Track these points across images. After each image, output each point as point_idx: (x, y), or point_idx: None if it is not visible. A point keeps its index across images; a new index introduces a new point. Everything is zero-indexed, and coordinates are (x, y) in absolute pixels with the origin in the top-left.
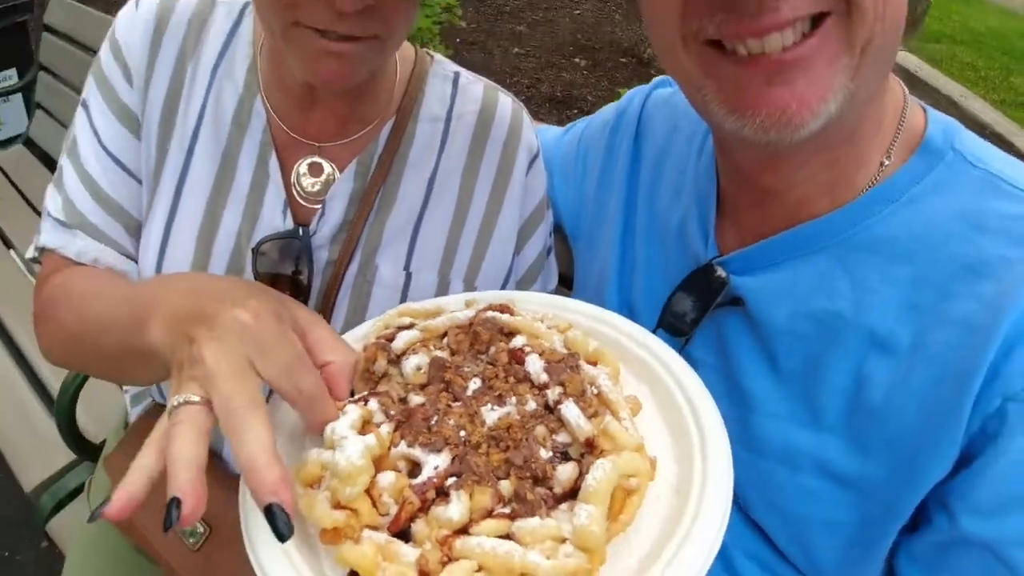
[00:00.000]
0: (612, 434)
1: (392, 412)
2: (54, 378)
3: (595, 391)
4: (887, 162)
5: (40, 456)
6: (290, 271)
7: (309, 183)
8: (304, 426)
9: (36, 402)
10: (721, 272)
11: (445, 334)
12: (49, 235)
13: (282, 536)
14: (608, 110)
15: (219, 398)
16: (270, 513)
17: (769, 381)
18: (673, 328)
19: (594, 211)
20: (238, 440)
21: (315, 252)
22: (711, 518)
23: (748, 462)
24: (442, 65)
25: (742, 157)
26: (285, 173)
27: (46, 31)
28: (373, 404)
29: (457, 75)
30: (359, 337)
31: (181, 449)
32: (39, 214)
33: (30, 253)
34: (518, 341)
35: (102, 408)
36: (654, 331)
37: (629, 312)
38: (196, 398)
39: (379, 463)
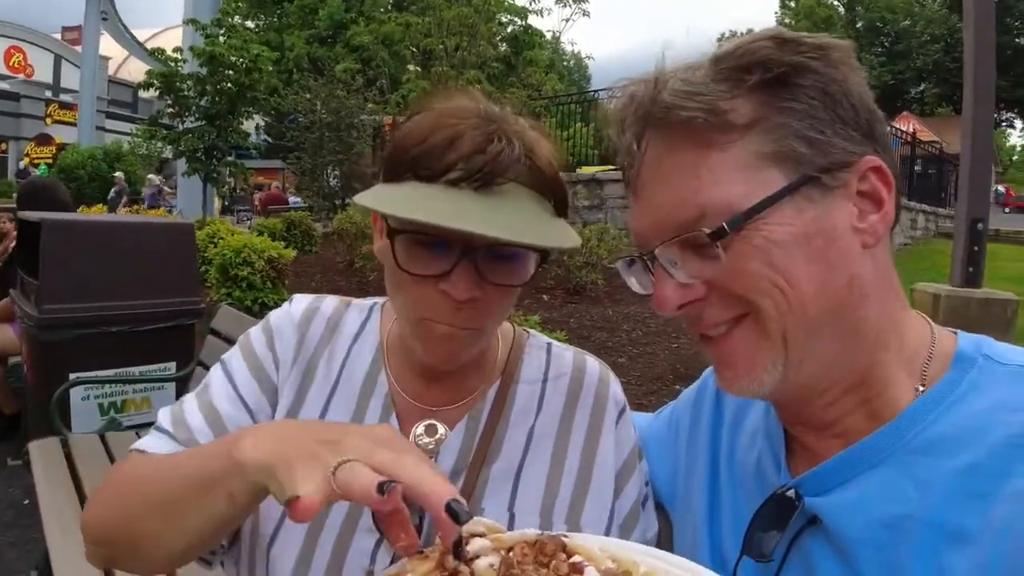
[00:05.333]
0: None
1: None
2: None
3: None
4: (923, 386)
5: None
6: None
7: (424, 441)
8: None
9: None
10: (792, 493)
11: (512, 548)
12: (147, 441)
13: (461, 519)
14: (691, 388)
15: (380, 457)
16: (450, 507)
17: None
18: (757, 553)
19: (686, 473)
20: (401, 469)
21: None
22: None
23: None
24: (536, 338)
25: (775, 406)
26: (403, 433)
27: (211, 334)
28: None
29: (550, 345)
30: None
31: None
32: None
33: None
34: (578, 558)
35: None
36: (739, 558)
37: (720, 557)
38: (352, 456)
39: None
